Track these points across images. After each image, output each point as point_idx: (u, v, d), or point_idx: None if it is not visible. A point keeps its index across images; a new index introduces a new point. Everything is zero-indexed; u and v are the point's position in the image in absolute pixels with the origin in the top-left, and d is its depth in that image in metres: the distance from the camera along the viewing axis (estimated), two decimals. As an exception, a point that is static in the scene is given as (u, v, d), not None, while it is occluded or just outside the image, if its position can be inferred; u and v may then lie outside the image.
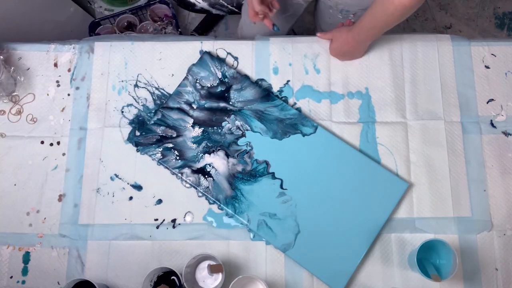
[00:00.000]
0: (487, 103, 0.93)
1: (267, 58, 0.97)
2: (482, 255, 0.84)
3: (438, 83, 0.94)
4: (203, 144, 0.91)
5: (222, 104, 0.93)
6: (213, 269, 0.79)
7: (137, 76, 0.96)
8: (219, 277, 0.82)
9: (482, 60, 0.96)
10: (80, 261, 0.86)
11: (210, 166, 0.90)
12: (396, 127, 0.92)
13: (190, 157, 0.90)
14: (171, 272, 0.80)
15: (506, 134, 0.91)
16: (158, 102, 0.95)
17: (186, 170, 0.89)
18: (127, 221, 0.88)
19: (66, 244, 0.87)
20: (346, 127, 0.92)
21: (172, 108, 0.93)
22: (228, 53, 0.97)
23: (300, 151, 0.89)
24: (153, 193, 0.89)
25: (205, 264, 0.83)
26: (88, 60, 0.97)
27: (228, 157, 0.90)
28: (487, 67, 0.95)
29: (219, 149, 0.90)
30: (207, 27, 1.68)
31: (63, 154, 0.92)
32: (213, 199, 0.88)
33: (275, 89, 0.95)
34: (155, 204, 0.89)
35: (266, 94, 0.93)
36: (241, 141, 0.91)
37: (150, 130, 0.92)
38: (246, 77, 0.95)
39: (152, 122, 0.92)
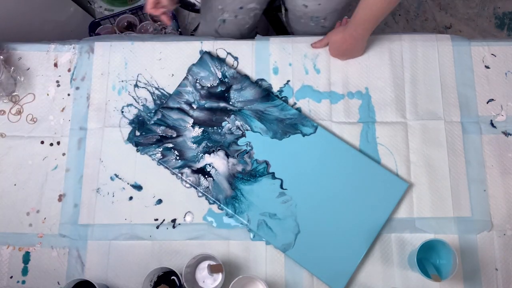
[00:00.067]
0: (487, 103, 0.93)
1: (267, 58, 0.97)
2: (482, 255, 0.84)
3: (438, 83, 0.94)
4: (203, 144, 0.91)
5: (222, 104, 0.93)
6: (213, 269, 0.79)
7: (137, 76, 0.96)
8: (219, 277, 0.82)
9: (482, 60, 0.96)
10: (80, 261, 0.86)
11: (210, 166, 0.90)
12: (396, 127, 0.92)
13: (190, 157, 0.90)
14: (171, 272, 0.80)
15: (506, 134, 0.91)
16: (158, 102, 0.95)
17: (186, 170, 0.89)
18: (127, 221, 0.88)
19: (66, 244, 0.87)
20: (346, 127, 0.92)
21: (172, 108, 0.93)
22: (228, 53, 0.97)
23: (300, 151, 0.89)
24: (153, 193, 0.89)
25: (205, 264, 0.83)
26: (88, 60, 0.97)
27: (228, 157, 0.90)
28: (487, 67, 0.95)
29: (219, 149, 0.90)
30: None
31: (63, 154, 0.92)
32: (213, 199, 0.88)
33: (275, 89, 0.95)
34: (155, 204, 0.89)
35: (266, 94, 0.93)
36: (241, 141, 0.91)
37: (150, 130, 0.92)
38: (246, 77, 0.95)
39: (152, 122, 0.92)
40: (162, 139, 0.91)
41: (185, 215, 0.88)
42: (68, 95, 0.95)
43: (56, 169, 0.91)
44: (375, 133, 0.91)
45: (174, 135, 0.92)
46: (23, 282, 0.86)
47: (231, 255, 0.86)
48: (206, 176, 0.89)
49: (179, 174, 0.89)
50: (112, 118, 0.94)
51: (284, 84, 0.95)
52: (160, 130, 0.92)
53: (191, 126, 0.92)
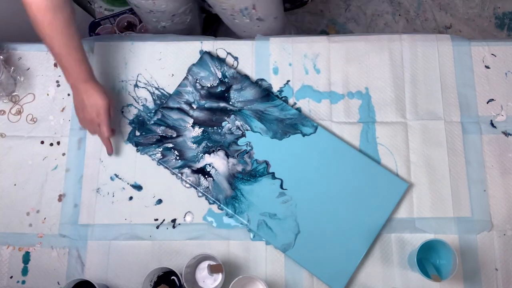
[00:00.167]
0: (487, 103, 0.93)
1: (267, 58, 0.97)
2: (482, 255, 0.84)
3: (438, 83, 0.94)
4: (203, 144, 0.91)
5: (222, 104, 0.93)
6: (213, 269, 0.79)
7: (137, 76, 0.96)
8: (219, 277, 0.82)
9: (482, 60, 0.96)
10: (80, 261, 0.86)
11: (210, 166, 0.90)
12: (396, 127, 0.92)
13: (190, 157, 0.90)
14: (171, 272, 0.80)
15: (506, 134, 0.91)
16: (158, 102, 0.95)
17: (186, 170, 0.89)
18: (127, 221, 0.88)
19: (66, 244, 0.87)
20: (346, 127, 0.92)
21: (172, 108, 0.93)
22: (228, 53, 0.97)
23: (300, 151, 0.89)
24: (153, 193, 0.89)
25: (205, 264, 0.83)
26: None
27: (228, 157, 0.90)
28: (487, 67, 0.95)
29: (219, 149, 0.90)
30: (207, 27, 1.68)
31: (63, 154, 0.92)
32: (213, 199, 0.88)
33: (275, 89, 0.95)
34: (155, 204, 0.89)
35: (266, 94, 0.93)
36: (241, 141, 0.91)
37: (150, 130, 0.92)
38: (246, 77, 0.95)
39: (152, 122, 0.92)
40: (162, 139, 0.91)
41: (185, 215, 0.88)
42: (68, 95, 0.95)
43: (56, 169, 0.91)
44: (375, 133, 0.91)
45: (174, 135, 0.92)
46: (23, 282, 0.86)
47: (231, 255, 0.86)
48: (206, 176, 0.89)
49: (179, 174, 0.89)
50: (112, 118, 0.94)
51: (284, 84, 0.95)
52: (160, 130, 0.92)
53: (191, 126, 0.92)
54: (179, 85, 0.95)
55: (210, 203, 0.88)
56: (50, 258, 0.87)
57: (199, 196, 0.89)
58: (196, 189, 0.89)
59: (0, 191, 0.91)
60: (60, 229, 0.88)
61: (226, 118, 0.92)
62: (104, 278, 0.85)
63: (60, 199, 0.90)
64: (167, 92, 0.95)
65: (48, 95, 0.96)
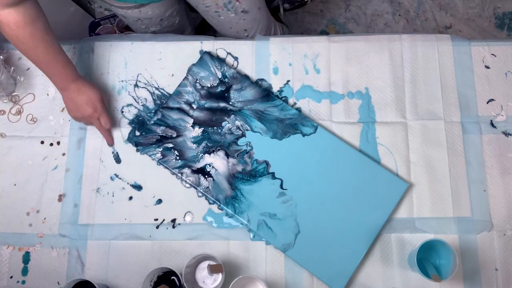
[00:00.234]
0: (487, 103, 0.93)
1: (267, 58, 0.97)
2: (482, 255, 0.84)
3: (438, 83, 0.94)
4: (203, 144, 0.91)
5: (222, 104, 0.93)
6: (213, 269, 0.79)
7: (137, 76, 0.96)
8: (219, 277, 0.82)
9: (482, 60, 0.96)
10: (80, 261, 0.86)
11: (210, 166, 0.90)
12: (396, 127, 0.92)
13: (190, 157, 0.90)
14: (171, 272, 0.80)
15: (506, 134, 0.91)
16: (158, 102, 0.95)
17: (186, 170, 0.89)
18: (127, 221, 0.88)
19: (66, 244, 0.87)
20: (346, 127, 0.92)
21: (172, 108, 0.93)
22: (228, 53, 0.97)
23: (300, 151, 0.89)
24: (153, 193, 0.89)
25: (205, 264, 0.83)
26: (88, 60, 0.97)
27: (228, 157, 0.90)
28: (487, 67, 0.95)
29: (219, 149, 0.90)
30: (207, 26, 1.68)
31: (63, 154, 0.92)
32: (213, 199, 0.88)
33: (275, 89, 0.95)
34: (155, 204, 0.89)
35: (266, 94, 0.93)
36: (241, 141, 0.91)
37: (150, 130, 0.92)
38: (246, 77, 0.95)
39: (152, 122, 0.92)
40: (162, 139, 0.91)
41: (185, 215, 0.88)
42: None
43: (56, 169, 0.91)
44: (375, 133, 0.91)
45: (174, 135, 0.92)
46: (23, 282, 0.86)
47: (231, 255, 0.86)
48: (206, 176, 0.89)
49: (179, 174, 0.89)
50: (112, 118, 0.94)
51: (284, 84, 0.95)
52: (160, 130, 0.92)
53: (191, 126, 0.92)
54: (179, 85, 0.95)
55: (210, 203, 0.88)
56: (50, 258, 0.87)
57: (199, 196, 0.89)
58: (196, 189, 0.89)
59: (0, 191, 0.91)
60: (60, 229, 0.88)
61: (226, 118, 0.92)
62: (104, 278, 0.85)
63: (60, 199, 0.90)
64: (167, 92, 0.95)
65: (48, 95, 0.96)
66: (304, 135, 0.90)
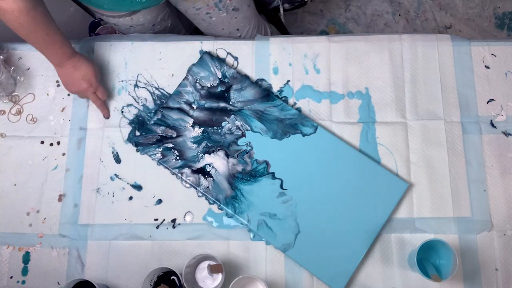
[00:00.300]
0: (487, 103, 0.93)
1: (267, 58, 0.97)
2: (482, 255, 0.84)
3: (438, 83, 0.94)
4: (203, 144, 0.91)
5: (222, 104, 0.93)
6: (213, 269, 0.79)
7: (137, 76, 0.96)
8: (219, 277, 0.82)
9: (482, 60, 0.96)
10: (80, 261, 0.86)
11: (210, 166, 0.90)
12: (396, 127, 0.92)
13: (190, 157, 0.90)
14: (171, 272, 0.80)
15: (506, 134, 0.91)
16: (158, 102, 0.95)
17: (186, 170, 0.89)
18: (127, 221, 0.88)
19: (66, 244, 0.87)
20: (346, 127, 0.92)
21: (172, 108, 0.93)
22: (228, 53, 0.97)
23: (300, 151, 0.89)
24: (153, 193, 0.89)
25: (205, 264, 0.83)
26: (88, 60, 0.97)
27: (228, 157, 0.90)
28: (487, 67, 0.95)
29: (219, 149, 0.90)
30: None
31: (63, 154, 0.92)
32: (213, 199, 0.88)
33: (275, 89, 0.95)
34: (155, 204, 0.89)
35: (266, 94, 0.93)
36: (241, 141, 0.91)
37: (150, 130, 0.92)
38: (246, 77, 0.95)
39: (152, 122, 0.92)
40: (162, 139, 0.91)
41: (185, 215, 0.88)
42: (68, 95, 0.95)
43: (56, 169, 0.91)
44: (375, 133, 0.91)
45: (174, 135, 0.92)
46: (23, 282, 0.86)
47: (231, 255, 0.86)
48: (206, 176, 0.89)
49: (179, 174, 0.89)
50: (112, 118, 0.94)
51: (284, 84, 0.95)
52: (160, 130, 0.92)
53: (191, 126, 0.92)
54: (179, 85, 0.95)
55: (210, 203, 0.88)
56: (50, 258, 0.87)
57: (199, 196, 0.89)
58: (196, 189, 0.89)
59: (0, 191, 0.91)
60: (60, 229, 0.88)
61: (226, 118, 0.92)
62: (104, 278, 0.85)
63: (60, 199, 0.90)
64: (167, 92, 0.95)
65: (48, 95, 0.96)
66: (304, 135, 0.90)
